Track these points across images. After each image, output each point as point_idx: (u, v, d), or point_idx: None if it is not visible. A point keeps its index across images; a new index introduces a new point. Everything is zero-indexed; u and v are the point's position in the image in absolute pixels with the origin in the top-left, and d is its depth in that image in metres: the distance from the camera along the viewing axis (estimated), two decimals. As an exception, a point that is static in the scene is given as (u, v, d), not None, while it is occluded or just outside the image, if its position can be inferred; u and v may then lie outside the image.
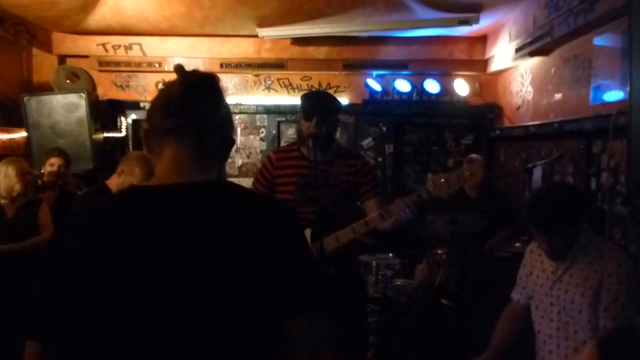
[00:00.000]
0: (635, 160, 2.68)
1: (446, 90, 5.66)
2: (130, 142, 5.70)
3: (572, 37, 3.72)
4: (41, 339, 1.04)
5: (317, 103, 2.53)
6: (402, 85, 5.60)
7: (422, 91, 5.62)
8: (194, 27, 5.15)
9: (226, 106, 1.18)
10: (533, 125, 4.42)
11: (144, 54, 5.58)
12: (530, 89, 4.73)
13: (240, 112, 5.70)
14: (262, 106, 5.73)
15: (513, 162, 5.02)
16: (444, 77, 5.65)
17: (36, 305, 1.05)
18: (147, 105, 1.43)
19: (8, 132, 4.97)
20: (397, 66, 5.57)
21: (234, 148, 5.82)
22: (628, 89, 2.68)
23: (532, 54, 4.26)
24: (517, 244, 3.61)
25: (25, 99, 4.86)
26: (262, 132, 5.82)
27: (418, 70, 5.58)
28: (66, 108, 4.93)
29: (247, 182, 5.69)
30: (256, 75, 5.78)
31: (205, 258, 1.01)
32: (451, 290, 3.27)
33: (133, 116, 5.72)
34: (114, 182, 3.08)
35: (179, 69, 1.18)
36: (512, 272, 2.40)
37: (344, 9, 4.56)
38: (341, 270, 2.41)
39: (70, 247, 1.04)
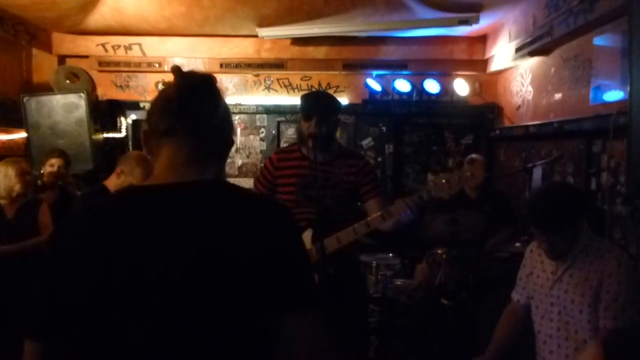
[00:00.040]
0: (635, 160, 2.68)
1: (446, 90, 5.66)
2: (130, 143, 5.70)
3: (572, 37, 3.72)
4: (41, 339, 1.04)
5: (317, 103, 2.53)
6: (402, 85, 5.60)
7: (422, 91, 5.62)
8: (193, 27, 5.15)
9: (224, 106, 1.19)
10: (533, 125, 4.42)
11: (144, 54, 5.58)
12: (530, 88, 4.73)
13: (240, 112, 5.70)
14: (262, 106, 5.74)
15: (513, 162, 5.02)
16: (444, 77, 5.65)
17: (36, 305, 1.06)
18: (147, 106, 1.43)
19: (8, 132, 4.97)
20: (396, 66, 5.57)
21: (234, 148, 5.83)
22: (628, 88, 2.68)
23: (532, 53, 4.26)
24: (517, 244, 3.61)
25: (25, 99, 4.86)
26: (262, 132, 5.82)
27: (418, 70, 5.58)
28: (66, 108, 4.92)
29: (247, 182, 5.69)
30: (256, 75, 5.78)
31: (203, 257, 1.01)
32: (451, 290, 3.27)
33: (133, 116, 5.72)
34: (112, 183, 3.05)
35: (175, 70, 1.19)
36: (512, 272, 2.40)
37: (344, 9, 4.56)
38: (342, 271, 2.41)
39: (70, 247, 1.05)
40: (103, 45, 5.52)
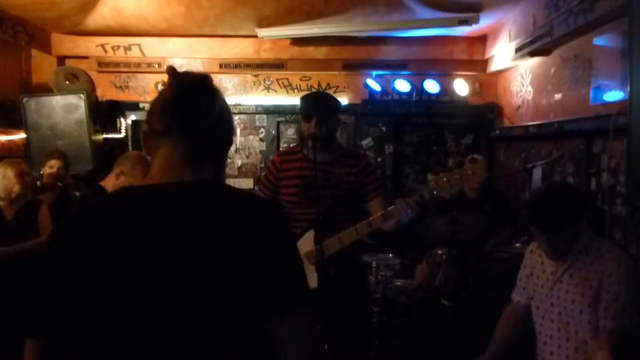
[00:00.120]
0: (635, 160, 2.68)
1: (446, 90, 5.66)
2: (129, 143, 5.69)
3: (572, 37, 3.72)
4: (40, 339, 1.05)
5: (316, 103, 2.53)
6: (402, 86, 5.60)
7: (422, 91, 5.61)
8: (193, 27, 5.15)
9: (222, 106, 1.18)
10: (533, 125, 4.42)
11: (144, 54, 5.58)
12: (530, 89, 4.73)
13: (239, 113, 5.69)
14: (262, 106, 5.73)
15: (513, 162, 5.02)
16: (444, 77, 5.65)
17: (36, 305, 1.06)
18: (147, 106, 1.43)
19: (7, 133, 4.97)
20: (396, 66, 5.57)
21: (233, 148, 5.79)
22: (628, 89, 2.67)
23: (532, 54, 4.26)
24: (517, 245, 3.61)
25: (25, 100, 4.86)
26: (262, 133, 5.81)
27: (418, 70, 5.57)
28: (65, 109, 4.92)
29: (246, 183, 5.69)
30: (255, 76, 5.78)
31: (199, 257, 1.02)
32: (451, 290, 3.27)
33: (132, 117, 5.72)
34: (111, 184, 2.94)
35: (170, 70, 1.19)
36: (512, 273, 2.39)
37: (344, 9, 4.56)
38: (343, 271, 2.41)
39: (69, 247, 1.06)
40: (102, 45, 5.52)
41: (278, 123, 5.79)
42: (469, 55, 5.58)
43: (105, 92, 5.72)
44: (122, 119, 5.68)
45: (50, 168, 4.00)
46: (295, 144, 2.84)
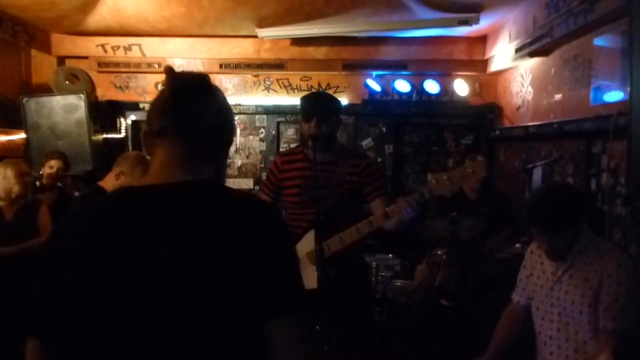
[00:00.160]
0: (635, 160, 2.68)
1: (446, 90, 5.66)
2: (129, 143, 5.69)
3: (572, 37, 3.72)
4: (41, 339, 1.05)
5: (316, 104, 2.53)
6: (402, 86, 5.60)
7: (422, 91, 5.61)
8: (193, 27, 5.15)
9: (221, 106, 1.18)
10: (533, 126, 4.42)
11: (144, 54, 5.57)
12: (530, 89, 4.73)
13: (239, 113, 5.68)
14: (262, 106, 5.73)
15: (513, 162, 5.02)
16: (444, 77, 5.65)
17: (36, 305, 1.07)
18: (147, 107, 1.43)
19: (7, 133, 4.97)
20: (396, 66, 5.57)
21: (233, 148, 5.78)
22: (628, 89, 2.67)
23: (532, 54, 4.26)
24: (517, 245, 3.60)
25: (24, 100, 4.86)
26: (262, 133, 5.81)
27: (418, 70, 5.57)
28: (65, 109, 4.92)
29: (246, 183, 5.70)
30: (255, 76, 5.78)
31: (197, 257, 1.02)
32: (451, 291, 3.27)
33: (132, 117, 5.71)
34: (111, 184, 2.92)
35: (167, 70, 1.19)
36: (512, 273, 2.39)
37: (344, 9, 4.56)
38: (343, 272, 2.40)
39: (69, 247, 1.06)
40: (102, 46, 5.51)
41: (278, 123, 5.79)
42: (469, 56, 5.57)
43: (105, 92, 5.72)
44: (122, 119, 5.67)
45: (50, 168, 4.00)
46: (295, 145, 2.84)
